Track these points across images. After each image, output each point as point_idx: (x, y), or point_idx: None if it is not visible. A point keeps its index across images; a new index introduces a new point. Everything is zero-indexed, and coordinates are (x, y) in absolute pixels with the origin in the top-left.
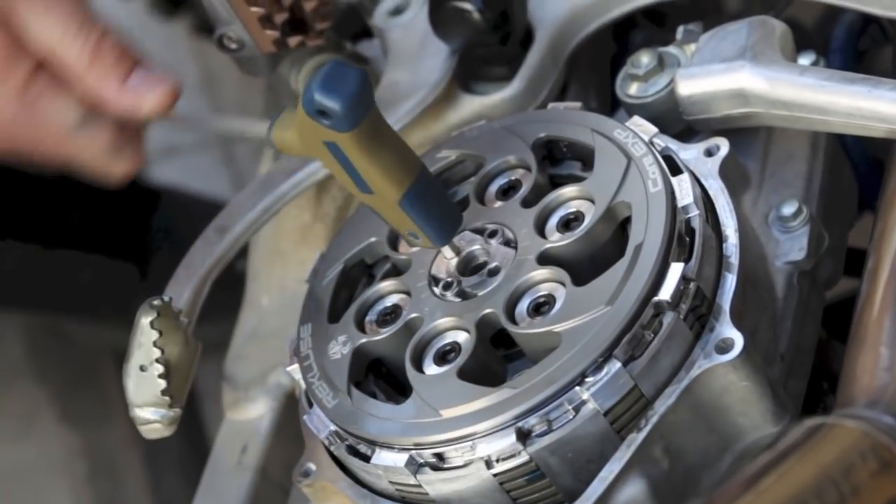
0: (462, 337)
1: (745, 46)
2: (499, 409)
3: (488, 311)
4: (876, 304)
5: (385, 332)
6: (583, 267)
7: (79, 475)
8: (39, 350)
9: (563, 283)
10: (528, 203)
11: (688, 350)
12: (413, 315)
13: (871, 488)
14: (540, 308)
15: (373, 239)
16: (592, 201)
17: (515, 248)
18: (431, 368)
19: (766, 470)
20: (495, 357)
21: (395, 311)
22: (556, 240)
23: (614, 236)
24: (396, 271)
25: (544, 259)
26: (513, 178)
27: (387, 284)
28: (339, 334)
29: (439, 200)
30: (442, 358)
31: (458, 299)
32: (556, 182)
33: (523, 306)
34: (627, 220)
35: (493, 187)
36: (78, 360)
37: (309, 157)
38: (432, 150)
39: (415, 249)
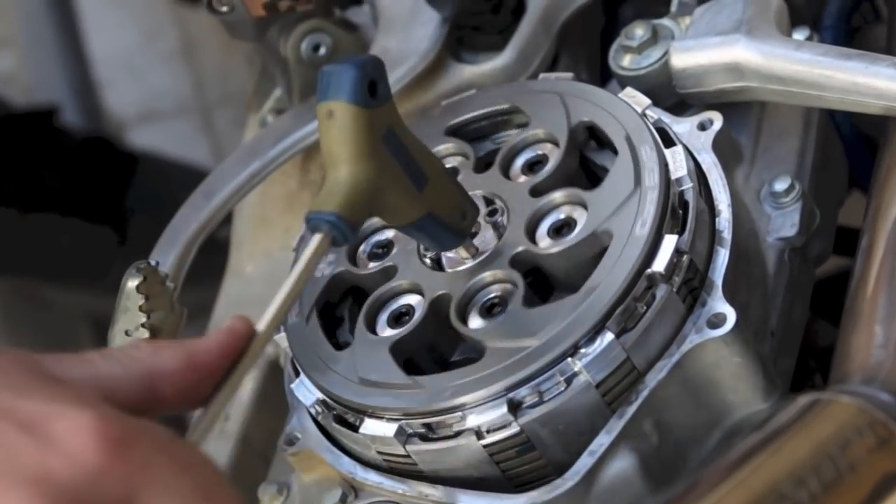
0: (417, 303)
1: (741, 20)
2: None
3: (443, 292)
4: (870, 282)
5: (368, 269)
6: (556, 276)
7: None
8: (16, 315)
9: (515, 289)
10: (536, 193)
11: (680, 323)
12: (391, 263)
13: (868, 464)
14: (491, 309)
15: None
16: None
17: (503, 235)
18: (384, 329)
19: (762, 445)
20: (444, 334)
21: (387, 248)
22: (543, 246)
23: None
24: None
25: (516, 262)
26: (542, 152)
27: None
28: (329, 254)
29: (461, 187)
30: (396, 320)
31: (432, 265)
32: (588, 168)
33: (476, 304)
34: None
35: (520, 160)
36: (54, 325)
37: (370, 204)
38: (483, 90)
39: None
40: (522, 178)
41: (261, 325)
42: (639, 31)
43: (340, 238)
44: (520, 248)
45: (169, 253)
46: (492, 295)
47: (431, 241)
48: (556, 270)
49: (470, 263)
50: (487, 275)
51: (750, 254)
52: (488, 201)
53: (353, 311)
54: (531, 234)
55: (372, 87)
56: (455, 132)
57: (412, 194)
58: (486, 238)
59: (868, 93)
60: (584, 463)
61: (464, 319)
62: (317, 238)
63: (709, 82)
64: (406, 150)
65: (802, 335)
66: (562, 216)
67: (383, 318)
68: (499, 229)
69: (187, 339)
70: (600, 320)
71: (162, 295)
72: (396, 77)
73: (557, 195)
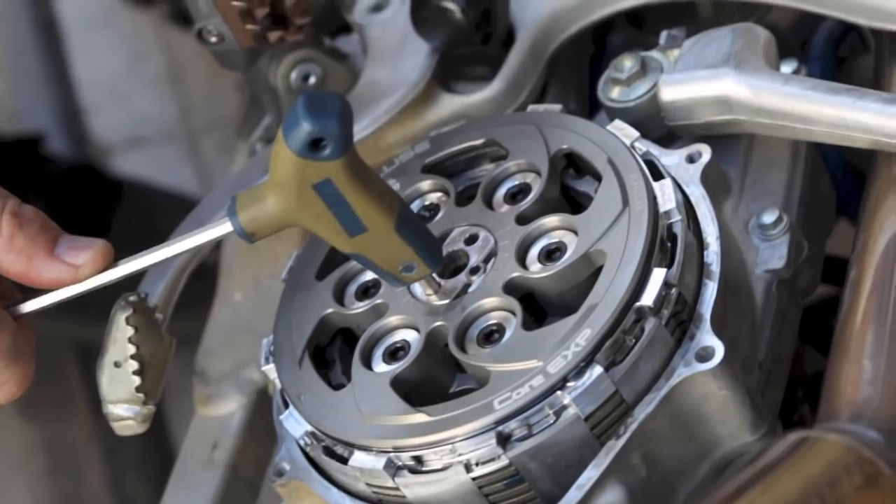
0: (413, 338)
1: (730, 53)
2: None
3: (440, 324)
4: (858, 316)
5: (357, 308)
6: (549, 300)
7: (37, 470)
8: None
9: (515, 315)
10: (522, 220)
11: (668, 357)
12: (380, 301)
13: (855, 502)
14: (490, 337)
15: None
16: (577, 234)
17: (493, 264)
18: (380, 365)
19: (751, 483)
20: (442, 366)
21: (375, 286)
22: (535, 270)
23: (590, 277)
24: None
25: (510, 288)
26: (523, 182)
27: None
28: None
29: (424, 231)
30: (392, 355)
31: (423, 298)
32: (570, 196)
33: (474, 331)
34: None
35: (502, 190)
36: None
37: (283, 227)
38: (460, 126)
39: None
40: (506, 208)
41: (122, 269)
42: (627, 63)
43: (242, 238)
44: (513, 275)
45: (158, 283)
46: (490, 322)
47: (370, 270)
48: (550, 294)
49: (436, 302)
50: (484, 303)
51: (738, 286)
52: (473, 270)
53: (344, 353)
54: (522, 260)
55: (315, 143)
56: (432, 169)
57: (340, 235)
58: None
59: (856, 127)
60: (573, 497)
61: (462, 348)
62: (224, 226)
63: (697, 115)
64: (343, 201)
65: (790, 366)
66: (552, 240)
67: (378, 354)
68: (490, 258)
69: (38, 251)
70: (589, 353)
71: (151, 326)
72: (386, 107)
73: (546, 220)
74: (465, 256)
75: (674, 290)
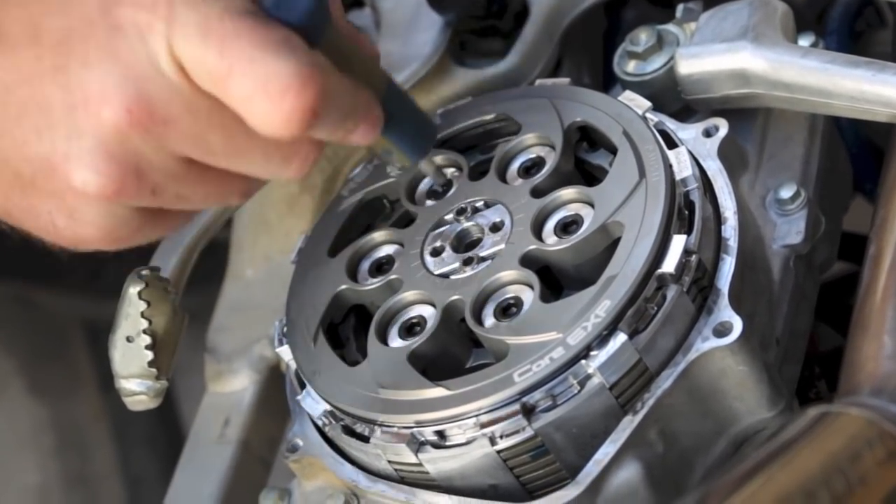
0: (429, 313)
1: (747, 27)
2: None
3: (456, 298)
4: (878, 292)
5: (371, 285)
6: (566, 273)
7: (46, 448)
8: (7, 319)
9: (532, 288)
10: (537, 193)
11: (690, 324)
12: (394, 277)
13: (878, 476)
14: (507, 310)
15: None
16: (593, 206)
17: (508, 237)
18: (396, 341)
19: (772, 458)
20: (459, 341)
21: (389, 262)
22: (551, 243)
23: (607, 249)
24: (408, 220)
25: (526, 261)
26: (538, 155)
27: (381, 234)
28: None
29: (411, 114)
30: (408, 331)
31: (438, 272)
32: (584, 169)
33: (491, 305)
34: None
35: (516, 164)
36: (47, 329)
37: None
38: (471, 101)
39: (428, 203)
40: (519, 182)
41: None
42: (644, 36)
43: None
44: (530, 247)
45: (170, 258)
46: (507, 296)
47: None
48: (566, 267)
49: (453, 276)
50: (500, 276)
51: (755, 261)
52: (494, 227)
53: (358, 330)
54: (538, 233)
55: None
56: (444, 144)
57: None
58: (493, 241)
59: (875, 101)
60: (590, 471)
61: (479, 322)
62: None
63: (715, 89)
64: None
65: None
66: (568, 213)
67: (394, 329)
68: (506, 234)
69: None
70: (612, 322)
71: (163, 301)
72: (398, 81)
73: (562, 193)
74: (480, 231)
75: (693, 258)
